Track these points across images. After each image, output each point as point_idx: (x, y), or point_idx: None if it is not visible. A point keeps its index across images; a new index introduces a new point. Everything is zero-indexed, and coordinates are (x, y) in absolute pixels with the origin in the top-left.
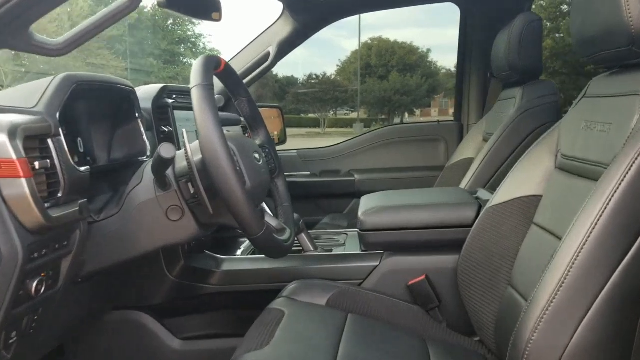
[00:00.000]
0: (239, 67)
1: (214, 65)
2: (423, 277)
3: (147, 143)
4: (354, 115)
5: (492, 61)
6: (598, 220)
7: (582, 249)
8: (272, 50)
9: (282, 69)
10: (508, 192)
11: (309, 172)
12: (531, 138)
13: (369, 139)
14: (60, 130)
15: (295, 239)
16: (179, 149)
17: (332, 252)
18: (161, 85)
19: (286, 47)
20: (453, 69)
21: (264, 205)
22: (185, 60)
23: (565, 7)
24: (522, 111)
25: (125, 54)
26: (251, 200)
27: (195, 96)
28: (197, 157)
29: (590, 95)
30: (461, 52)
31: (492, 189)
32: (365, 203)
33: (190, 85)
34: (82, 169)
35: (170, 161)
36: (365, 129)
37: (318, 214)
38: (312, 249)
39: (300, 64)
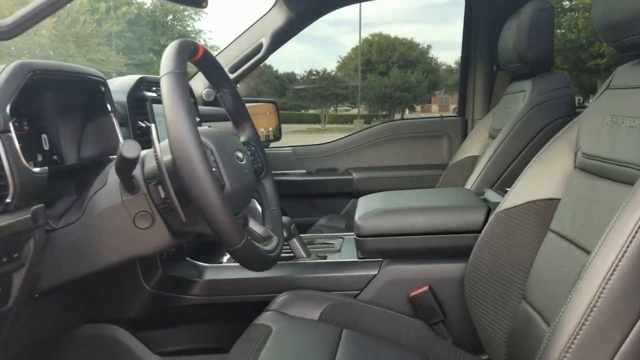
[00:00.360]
0: (230, 59)
1: (190, 52)
2: (426, 288)
3: (121, 139)
4: (354, 111)
5: (499, 53)
6: (636, 233)
7: (616, 266)
8: (265, 41)
9: (282, 65)
10: (521, 195)
11: (304, 170)
12: (543, 134)
13: (368, 135)
14: (11, 125)
15: (286, 244)
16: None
17: (326, 259)
18: (138, 76)
19: (280, 38)
20: (454, 65)
21: (256, 205)
22: None
23: (566, 3)
24: (533, 105)
25: (125, 50)
26: (228, 206)
27: (165, 86)
28: (168, 157)
29: (616, 86)
30: (465, 44)
31: (501, 189)
32: (363, 205)
33: (160, 73)
34: (37, 170)
35: (134, 161)
36: (366, 125)
37: (314, 215)
38: (304, 255)
39: (300, 60)
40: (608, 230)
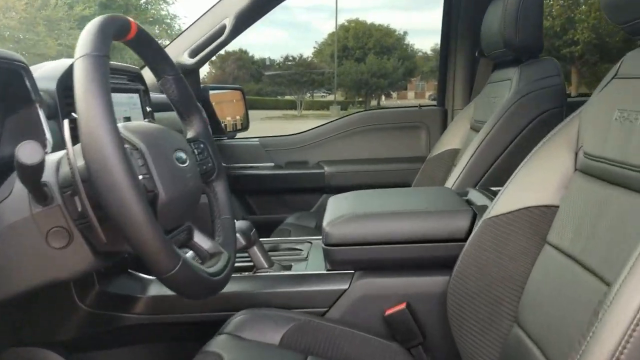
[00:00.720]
0: (190, 42)
1: (117, 30)
2: (403, 305)
3: (49, 135)
4: (331, 97)
5: (482, 37)
6: None
7: None
8: (229, 22)
9: (259, 51)
10: (512, 200)
11: (272, 164)
12: (531, 127)
13: (341, 125)
14: None
15: (245, 253)
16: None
17: (291, 269)
18: (71, 60)
19: (245, 19)
20: (430, 52)
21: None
22: (160, 42)
23: None
24: (520, 95)
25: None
26: (158, 223)
27: (78, 71)
28: (82, 161)
29: (625, 75)
30: (445, 28)
31: (485, 188)
32: (332, 209)
33: (75, 55)
34: None
35: (36, 168)
36: (342, 111)
37: (282, 212)
38: (265, 266)
39: (277, 46)
40: (635, 259)
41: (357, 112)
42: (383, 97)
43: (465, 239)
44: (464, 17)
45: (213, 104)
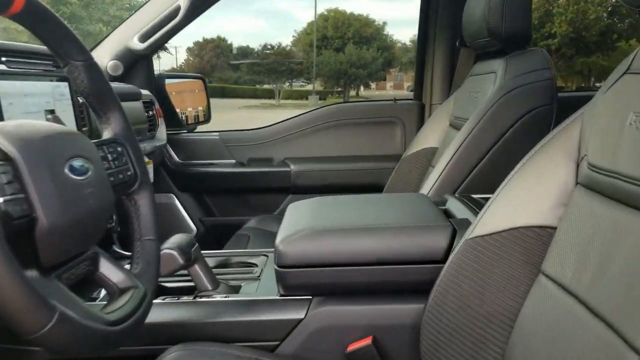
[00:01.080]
0: (141, 25)
1: None
2: (369, 340)
3: None
4: (309, 87)
5: (464, 26)
6: None
7: None
8: (184, 4)
9: (237, 39)
10: (500, 218)
11: (234, 160)
12: (518, 127)
13: (309, 120)
14: None
15: (186, 273)
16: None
17: (239, 291)
18: None
19: (202, 1)
20: (409, 43)
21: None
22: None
23: None
24: (506, 91)
25: (71, 19)
26: (13, 269)
27: None
28: None
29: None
30: (423, 15)
31: (466, 196)
32: (289, 220)
33: None
34: None
35: None
36: (321, 101)
37: (244, 213)
38: (209, 288)
39: (256, 34)
40: None
41: (326, 106)
42: (362, 88)
43: (443, 261)
44: (445, 3)
45: (172, 93)
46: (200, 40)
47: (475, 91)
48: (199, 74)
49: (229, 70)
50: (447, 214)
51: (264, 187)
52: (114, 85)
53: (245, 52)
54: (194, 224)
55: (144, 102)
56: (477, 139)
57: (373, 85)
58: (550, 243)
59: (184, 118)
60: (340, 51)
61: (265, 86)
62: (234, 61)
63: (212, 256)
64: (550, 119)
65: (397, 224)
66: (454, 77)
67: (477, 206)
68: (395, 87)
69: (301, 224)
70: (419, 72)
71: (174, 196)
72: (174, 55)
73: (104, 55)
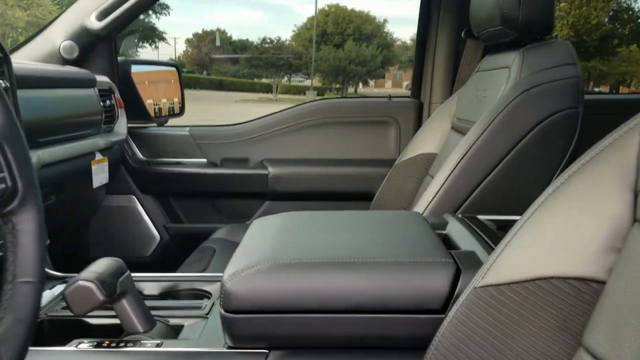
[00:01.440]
0: (100, 0)
1: None
2: None
3: None
4: (308, 82)
5: (472, 13)
6: None
7: None
8: None
9: (237, 31)
10: (522, 262)
11: (205, 160)
12: (536, 134)
13: (292, 117)
14: None
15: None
16: None
17: (179, 335)
18: None
19: None
20: (408, 42)
21: None
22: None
23: None
24: (522, 89)
25: (70, 5)
26: None
27: None
28: None
29: None
30: (425, 0)
31: (470, 218)
32: (246, 247)
33: None
34: None
35: None
36: (319, 97)
37: (215, 220)
38: (139, 330)
39: (255, 28)
40: None
41: (312, 101)
42: (360, 85)
43: (442, 311)
44: None
45: (143, 82)
46: (200, 32)
47: (483, 89)
48: (174, 62)
49: (227, 63)
50: (448, 242)
51: (238, 192)
52: (59, 68)
53: (244, 45)
54: (157, 230)
55: (100, 90)
56: (486, 147)
57: (372, 82)
58: (596, 304)
59: (157, 110)
60: (340, 47)
61: (264, 80)
62: (216, 55)
63: (157, 280)
64: (574, 125)
65: (383, 257)
66: (457, 73)
67: (484, 232)
68: (394, 86)
69: (259, 252)
70: (418, 66)
71: (135, 198)
72: (172, 46)
73: (58, 35)
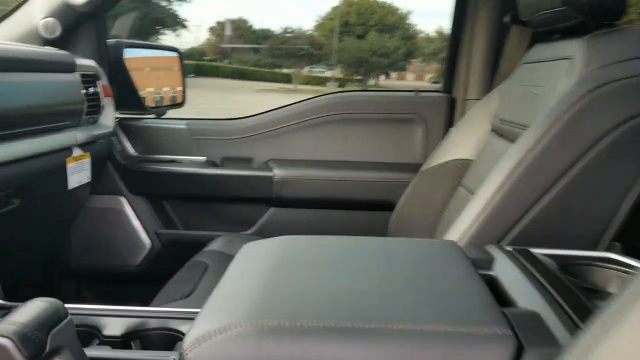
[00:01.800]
0: None
1: None
2: None
3: None
4: (329, 73)
5: None
6: None
7: None
8: None
9: (258, 20)
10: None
11: (204, 158)
12: (607, 145)
13: (305, 111)
14: None
15: None
16: None
17: None
18: None
19: None
20: (433, 34)
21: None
22: None
23: None
24: (591, 86)
25: None
26: None
27: None
28: None
29: None
30: None
31: (522, 252)
32: (221, 293)
33: None
34: None
35: None
36: (339, 88)
37: (212, 227)
38: None
39: (277, 16)
40: None
41: (327, 94)
42: (382, 77)
43: None
44: None
45: (143, 68)
46: (222, 19)
47: (535, 85)
48: (174, 47)
49: (249, 52)
50: (495, 288)
51: (240, 196)
52: (28, 48)
53: (265, 34)
54: (148, 236)
55: (83, 76)
56: (542, 160)
57: (394, 75)
58: None
59: (158, 99)
60: (362, 38)
61: (285, 70)
62: (226, 45)
63: (123, 315)
64: None
65: (409, 322)
66: (499, 64)
67: (545, 274)
68: (417, 79)
69: (237, 306)
70: (451, 56)
71: (124, 199)
72: (195, 34)
73: (37, 11)
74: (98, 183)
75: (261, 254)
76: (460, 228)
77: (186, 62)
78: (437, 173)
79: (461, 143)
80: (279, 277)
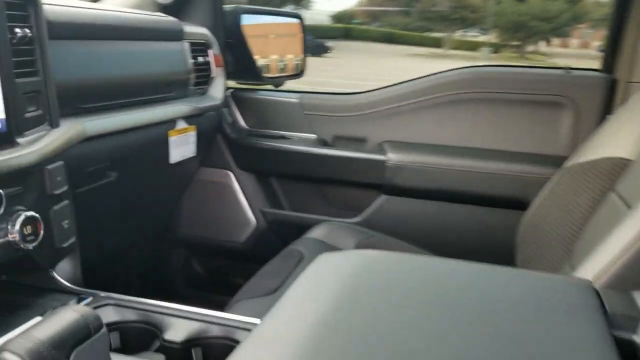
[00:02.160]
0: None
1: None
2: None
3: None
4: (482, 38)
5: None
6: None
7: None
8: None
9: None
10: None
11: (315, 136)
12: None
13: (429, 88)
14: None
15: None
16: None
17: None
18: None
19: None
20: None
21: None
22: None
23: None
24: None
25: None
26: None
27: None
28: None
29: None
30: None
31: None
32: (258, 344)
33: None
34: None
35: None
36: (493, 54)
37: (319, 211)
38: None
39: None
40: None
41: (458, 69)
42: (543, 43)
43: None
44: None
45: (263, 36)
46: None
47: None
48: (295, 12)
49: (399, 15)
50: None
51: (349, 180)
52: (129, 15)
53: None
54: (254, 214)
55: (193, 44)
56: None
57: (556, 41)
58: None
59: (281, 67)
60: (523, 1)
61: (435, 34)
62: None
63: (187, 317)
64: None
65: None
66: None
67: None
68: (582, 46)
69: (287, 344)
70: (616, 26)
71: (232, 175)
72: None
73: None
74: (207, 155)
75: (332, 274)
76: (607, 254)
77: (335, 25)
78: (585, 172)
79: (619, 137)
80: (340, 314)
